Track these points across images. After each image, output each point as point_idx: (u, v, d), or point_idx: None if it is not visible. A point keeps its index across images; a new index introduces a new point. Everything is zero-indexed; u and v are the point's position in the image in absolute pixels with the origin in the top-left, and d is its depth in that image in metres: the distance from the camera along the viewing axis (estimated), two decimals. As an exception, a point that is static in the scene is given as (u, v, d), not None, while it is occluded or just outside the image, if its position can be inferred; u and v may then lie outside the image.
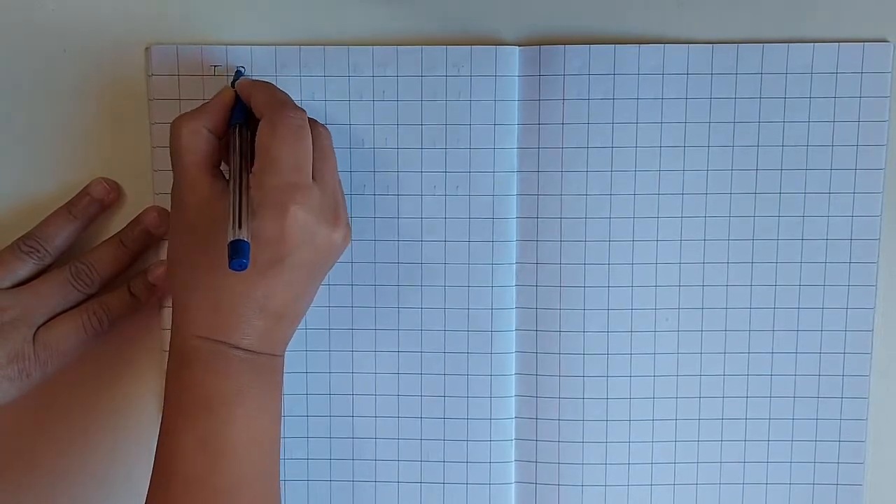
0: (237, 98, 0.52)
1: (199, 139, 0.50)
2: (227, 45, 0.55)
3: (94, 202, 0.55)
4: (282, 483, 0.53)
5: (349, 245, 0.52)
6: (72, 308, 0.54)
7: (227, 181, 0.50)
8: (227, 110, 0.52)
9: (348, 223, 0.51)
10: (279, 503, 0.51)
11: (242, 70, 0.54)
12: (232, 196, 0.48)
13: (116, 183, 0.56)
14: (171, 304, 0.56)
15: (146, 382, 0.58)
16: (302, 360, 0.56)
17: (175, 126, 0.50)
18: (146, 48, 0.55)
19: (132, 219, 0.56)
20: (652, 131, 0.55)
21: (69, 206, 0.55)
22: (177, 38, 0.55)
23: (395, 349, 0.57)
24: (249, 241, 0.46)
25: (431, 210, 0.55)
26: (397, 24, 0.55)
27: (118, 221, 0.56)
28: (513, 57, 0.54)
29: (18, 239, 0.55)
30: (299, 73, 0.55)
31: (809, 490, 0.57)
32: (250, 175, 0.49)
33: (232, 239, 0.45)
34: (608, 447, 0.57)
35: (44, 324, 0.53)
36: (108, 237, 0.56)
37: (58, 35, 0.55)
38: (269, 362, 0.50)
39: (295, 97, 0.54)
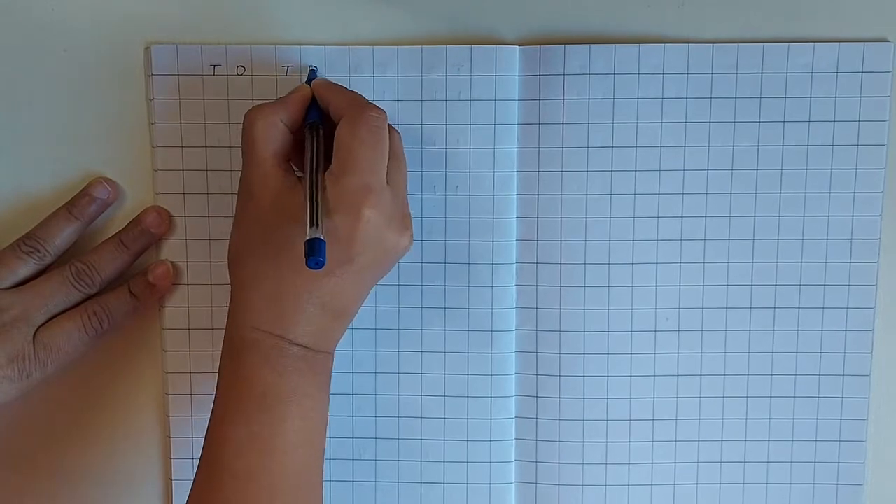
0: (312, 96, 0.52)
1: (274, 131, 0.49)
2: (226, 44, 0.55)
3: (95, 202, 0.55)
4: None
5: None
6: (72, 308, 0.54)
7: (299, 177, 0.50)
8: (304, 106, 0.51)
9: (412, 228, 0.51)
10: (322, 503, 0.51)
11: (316, 69, 0.54)
12: (308, 194, 0.47)
13: (116, 183, 0.56)
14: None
15: (146, 382, 0.58)
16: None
17: (250, 117, 0.50)
18: (146, 48, 0.55)
19: (132, 219, 0.56)
20: (652, 131, 0.55)
21: (69, 206, 0.55)
22: (177, 38, 0.55)
23: (395, 349, 0.57)
24: (326, 239, 0.46)
25: (431, 210, 0.55)
26: (397, 24, 0.55)
27: (118, 221, 0.56)
28: (513, 56, 0.54)
29: (19, 239, 0.55)
30: (299, 74, 0.55)
31: (810, 490, 0.57)
32: (326, 173, 0.48)
33: (309, 237, 0.45)
34: (608, 447, 0.57)
35: (44, 324, 0.53)
36: (108, 237, 0.56)
37: (58, 35, 0.55)
38: (322, 360, 0.50)
39: (295, 97, 0.55)
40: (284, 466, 0.48)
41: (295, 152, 0.51)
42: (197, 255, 0.56)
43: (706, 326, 0.56)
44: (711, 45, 0.54)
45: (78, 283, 0.54)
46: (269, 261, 0.48)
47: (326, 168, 0.49)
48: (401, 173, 0.51)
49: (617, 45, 0.54)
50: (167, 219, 0.56)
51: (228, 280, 0.56)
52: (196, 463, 0.49)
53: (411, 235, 0.51)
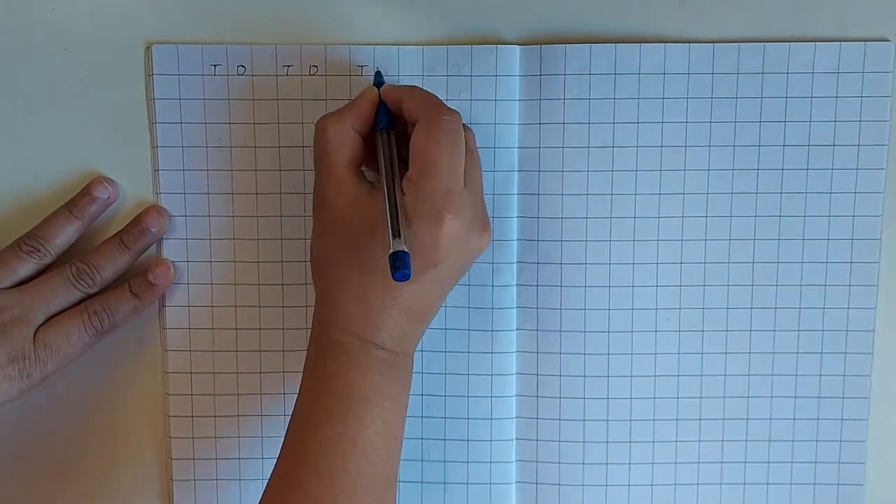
0: (380, 101, 0.51)
1: (346, 138, 0.50)
2: (227, 44, 0.55)
3: (95, 202, 0.55)
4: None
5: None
6: (72, 307, 0.54)
7: (372, 183, 0.50)
8: (373, 111, 0.51)
9: (490, 225, 0.51)
10: None
11: (381, 73, 0.54)
12: (386, 205, 0.47)
13: (116, 183, 0.56)
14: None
15: (146, 382, 0.57)
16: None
17: (321, 126, 0.50)
18: (146, 48, 0.55)
19: (132, 219, 0.56)
20: (653, 131, 0.55)
21: (70, 206, 0.55)
22: (177, 38, 0.55)
23: (396, 349, 0.57)
24: (409, 251, 0.45)
25: (432, 210, 0.55)
26: (398, 24, 0.55)
27: (118, 221, 0.56)
28: (514, 56, 0.54)
29: (19, 239, 0.54)
30: (300, 73, 0.54)
31: (811, 490, 0.57)
32: (404, 181, 0.48)
33: (393, 251, 0.45)
34: (609, 447, 0.57)
35: (44, 323, 0.53)
36: (108, 237, 0.56)
37: (58, 35, 0.55)
38: (404, 362, 0.51)
39: (295, 97, 0.54)
40: (366, 468, 0.48)
41: (366, 157, 0.51)
42: (197, 254, 0.56)
43: (707, 326, 0.56)
44: (712, 44, 0.54)
45: (78, 282, 0.54)
46: (353, 267, 0.49)
47: (401, 171, 0.49)
48: (477, 172, 0.51)
49: (617, 44, 0.54)
50: (167, 218, 0.55)
51: (229, 280, 0.56)
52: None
53: (490, 232, 0.51)
